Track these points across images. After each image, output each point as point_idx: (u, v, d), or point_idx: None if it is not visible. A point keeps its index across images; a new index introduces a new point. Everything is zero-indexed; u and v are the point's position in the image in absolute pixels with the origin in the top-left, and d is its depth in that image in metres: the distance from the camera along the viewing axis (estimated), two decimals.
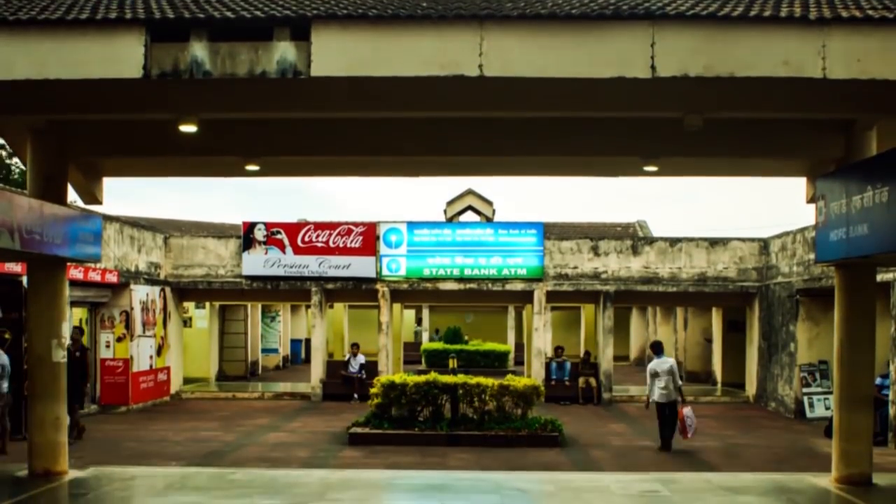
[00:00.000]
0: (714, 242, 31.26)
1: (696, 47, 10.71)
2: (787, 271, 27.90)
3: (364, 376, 29.66)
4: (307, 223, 31.81)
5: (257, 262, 30.72)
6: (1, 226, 12.71)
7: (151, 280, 29.13)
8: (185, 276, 31.26)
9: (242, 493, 14.40)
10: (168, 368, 30.01)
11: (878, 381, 19.64)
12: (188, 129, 13.45)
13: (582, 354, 34.20)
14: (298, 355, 48.24)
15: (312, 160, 17.56)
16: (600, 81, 10.94)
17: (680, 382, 20.71)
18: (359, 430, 20.49)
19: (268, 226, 30.82)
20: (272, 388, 33.76)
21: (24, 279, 18.89)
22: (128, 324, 26.67)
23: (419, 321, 57.97)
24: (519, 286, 31.21)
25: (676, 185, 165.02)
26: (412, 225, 31.11)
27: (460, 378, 21.30)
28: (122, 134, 15.92)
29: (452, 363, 32.47)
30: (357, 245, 30.60)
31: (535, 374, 30.06)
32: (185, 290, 31.84)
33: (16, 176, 41.59)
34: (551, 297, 31.63)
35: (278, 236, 30.70)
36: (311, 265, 30.62)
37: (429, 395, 20.74)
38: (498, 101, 12.65)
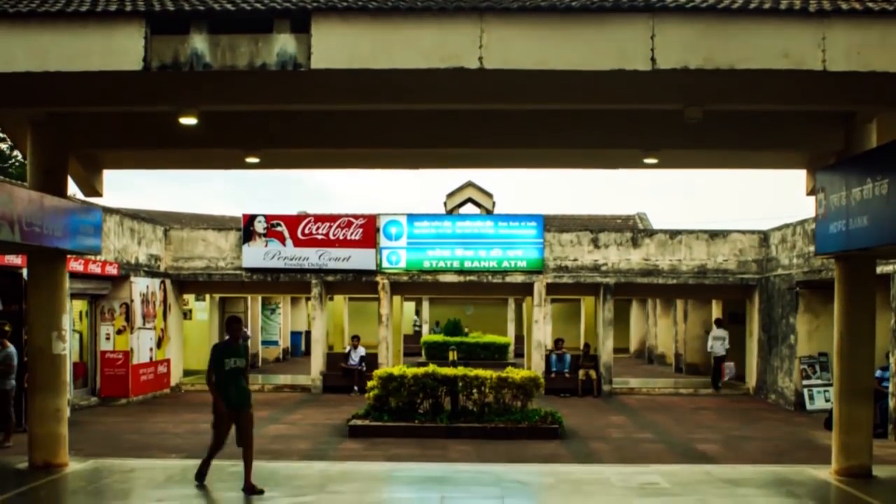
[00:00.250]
0: (714, 235, 31.28)
1: (695, 40, 10.70)
2: (787, 263, 27.90)
3: (364, 369, 29.67)
4: (307, 215, 31.80)
5: (257, 255, 30.72)
6: (1, 218, 12.73)
7: (151, 272, 29.14)
8: (186, 268, 31.27)
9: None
10: (168, 361, 30.04)
11: (877, 373, 19.65)
12: (188, 121, 13.45)
13: (582, 347, 34.21)
14: (298, 347, 48.27)
15: (312, 152, 17.56)
16: (600, 74, 10.93)
17: (728, 346, 31.98)
18: (359, 422, 20.49)
19: (268, 218, 30.82)
20: (272, 380, 33.78)
21: (25, 271, 18.89)
22: (128, 316, 26.69)
23: (416, 313, 58.02)
24: (519, 278, 31.23)
25: (676, 176, 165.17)
26: (412, 217, 31.11)
27: (460, 370, 21.29)
28: (122, 126, 15.92)
29: (452, 355, 32.44)
30: (357, 237, 30.61)
31: (535, 367, 30.10)
32: (186, 283, 31.85)
33: (16, 167, 41.51)
34: (551, 289, 31.63)
35: (278, 229, 30.70)
36: (311, 257, 30.62)
37: (428, 387, 20.74)
38: (498, 94, 12.64)
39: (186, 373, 32.51)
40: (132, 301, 27.03)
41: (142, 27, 10.77)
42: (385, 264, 30.76)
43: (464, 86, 11.99)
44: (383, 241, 30.70)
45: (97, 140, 16.29)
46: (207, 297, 36.46)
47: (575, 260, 31.20)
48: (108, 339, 26.50)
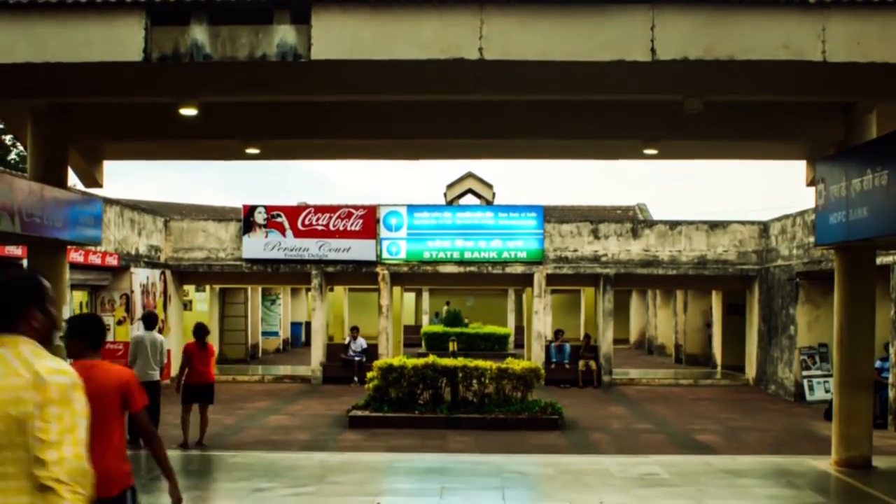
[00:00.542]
0: (714, 225, 31.27)
1: (695, 30, 10.70)
2: (786, 254, 27.91)
3: (364, 359, 29.67)
4: (307, 206, 31.80)
5: (257, 246, 30.73)
6: (1, 209, 12.74)
7: (152, 263, 29.15)
8: (186, 259, 31.28)
9: (243, 476, 14.44)
10: (168, 351, 30.02)
11: (877, 363, 19.67)
12: (188, 112, 13.47)
13: (582, 337, 34.29)
14: (298, 338, 48.26)
15: (312, 143, 17.59)
16: (600, 65, 10.94)
17: None
18: (359, 412, 20.50)
19: (268, 209, 30.82)
20: (272, 371, 33.82)
21: (25, 262, 18.90)
22: (128, 307, 26.70)
23: (433, 310, 57.86)
24: (519, 269, 31.24)
25: (677, 167, 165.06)
26: (412, 208, 31.11)
27: (460, 361, 21.29)
28: (122, 117, 15.94)
29: (452, 346, 32.49)
30: (357, 228, 30.61)
31: (535, 357, 30.09)
32: (186, 274, 31.86)
33: (16, 159, 41.50)
34: (551, 280, 31.65)
35: (278, 219, 30.70)
36: (312, 248, 30.63)
37: (428, 378, 20.75)
38: (498, 85, 12.65)
39: None
40: (132, 292, 27.04)
41: (142, 18, 10.76)
42: (385, 255, 30.77)
43: (464, 77, 12.00)
44: (383, 232, 30.70)
45: (97, 131, 16.32)
46: (207, 288, 36.44)
47: (575, 251, 31.21)
48: (108, 329, 26.50)
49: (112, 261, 25.68)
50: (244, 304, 39.88)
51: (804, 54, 10.60)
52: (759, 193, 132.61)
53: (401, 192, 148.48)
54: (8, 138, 41.74)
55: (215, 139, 16.65)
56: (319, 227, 30.60)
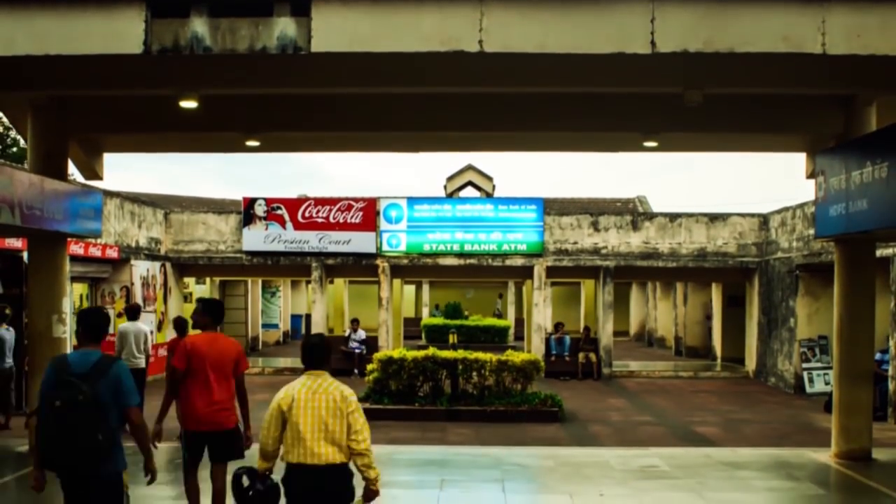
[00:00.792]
0: (714, 218, 31.28)
1: (695, 23, 10.67)
2: (786, 246, 27.92)
3: (364, 352, 29.72)
4: (307, 199, 31.82)
5: (258, 238, 30.76)
6: (2, 201, 12.74)
7: (152, 255, 29.16)
8: (186, 251, 31.31)
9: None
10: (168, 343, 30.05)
11: (877, 355, 19.68)
12: (189, 104, 13.46)
13: (582, 330, 34.27)
14: (299, 331, 48.24)
15: (312, 135, 17.58)
16: (600, 57, 10.91)
17: None
18: None
19: (268, 201, 30.85)
20: (272, 363, 33.83)
21: (25, 255, 18.92)
22: (128, 299, 26.68)
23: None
24: (519, 261, 31.26)
25: (677, 159, 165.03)
26: (412, 200, 31.13)
27: (460, 353, 21.32)
28: (122, 110, 15.93)
29: (452, 338, 32.51)
30: (357, 220, 30.63)
31: (534, 350, 30.12)
32: (186, 266, 31.88)
33: (16, 151, 41.48)
34: (551, 272, 31.68)
35: (279, 212, 30.73)
36: (312, 241, 30.66)
37: (428, 370, 20.77)
38: (498, 77, 12.64)
39: None
40: (132, 284, 27.05)
41: (142, 10, 10.74)
42: (385, 247, 30.79)
43: (464, 69, 11.99)
44: (383, 225, 30.73)
45: (97, 123, 16.31)
46: (208, 280, 36.48)
47: (575, 243, 31.23)
48: (110, 321, 26.50)
49: (112, 253, 25.69)
50: (244, 296, 39.92)
51: (804, 47, 10.58)
52: (758, 185, 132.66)
53: (399, 185, 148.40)
54: (5, 131, 41.72)
55: (215, 131, 16.64)
56: (319, 220, 30.62)
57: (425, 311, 54.36)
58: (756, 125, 16.03)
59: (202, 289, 36.13)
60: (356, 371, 29.13)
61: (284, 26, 10.75)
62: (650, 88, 13.98)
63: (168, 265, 30.58)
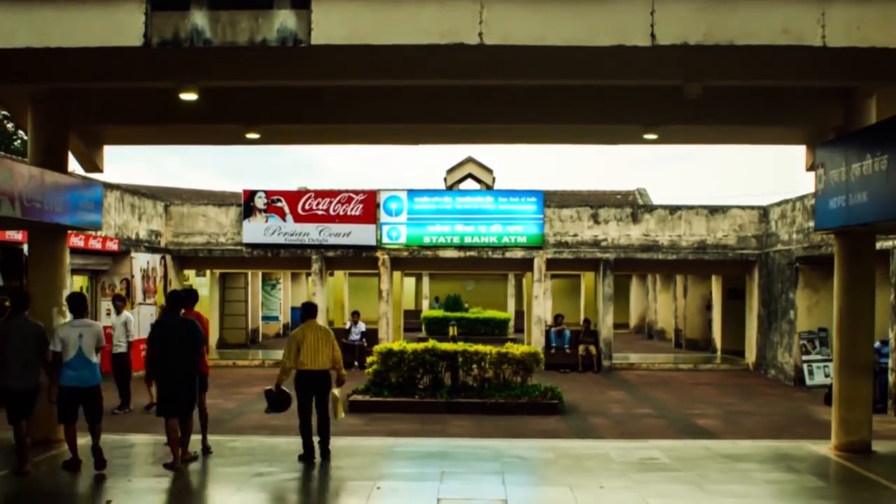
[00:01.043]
0: (714, 210, 31.29)
1: (695, 15, 10.67)
2: (786, 239, 27.93)
3: (364, 344, 29.73)
4: (308, 191, 31.83)
5: (258, 230, 30.78)
6: (2, 194, 12.75)
7: (152, 248, 29.17)
8: (186, 243, 31.33)
9: (243, 461, 14.49)
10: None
11: (876, 345, 19.67)
12: (189, 97, 13.47)
13: (582, 322, 34.27)
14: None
15: (312, 128, 17.58)
16: (600, 50, 10.91)
17: None
18: (359, 397, 20.53)
19: (268, 194, 30.86)
20: (272, 355, 33.74)
21: (25, 247, 18.91)
22: (128, 291, 26.71)
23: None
24: (519, 254, 31.26)
25: (676, 151, 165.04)
26: (412, 193, 31.14)
27: (460, 346, 21.32)
28: (122, 102, 15.93)
29: (452, 331, 32.51)
30: (357, 213, 30.65)
31: (534, 342, 30.15)
32: (186, 258, 31.91)
33: (17, 144, 41.48)
34: (551, 264, 31.69)
35: (279, 204, 30.74)
36: (312, 233, 30.67)
37: (427, 362, 20.78)
38: (498, 70, 12.63)
39: None
40: (133, 277, 27.07)
41: (142, 3, 10.73)
42: (385, 240, 30.81)
43: (464, 62, 11.99)
44: (383, 217, 30.74)
45: (98, 116, 16.31)
46: (208, 272, 36.48)
47: (575, 235, 31.24)
48: (108, 314, 26.50)
49: (112, 245, 25.70)
50: (244, 288, 39.93)
51: (804, 39, 10.58)
52: (758, 178, 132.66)
53: (399, 177, 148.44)
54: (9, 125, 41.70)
55: (215, 124, 16.64)
56: (320, 212, 30.64)
57: (425, 304, 54.36)
58: (756, 118, 16.02)
59: (202, 281, 36.14)
60: (356, 363, 29.13)
61: (284, 19, 10.74)
62: (650, 81, 13.98)
63: (168, 257, 30.60)
